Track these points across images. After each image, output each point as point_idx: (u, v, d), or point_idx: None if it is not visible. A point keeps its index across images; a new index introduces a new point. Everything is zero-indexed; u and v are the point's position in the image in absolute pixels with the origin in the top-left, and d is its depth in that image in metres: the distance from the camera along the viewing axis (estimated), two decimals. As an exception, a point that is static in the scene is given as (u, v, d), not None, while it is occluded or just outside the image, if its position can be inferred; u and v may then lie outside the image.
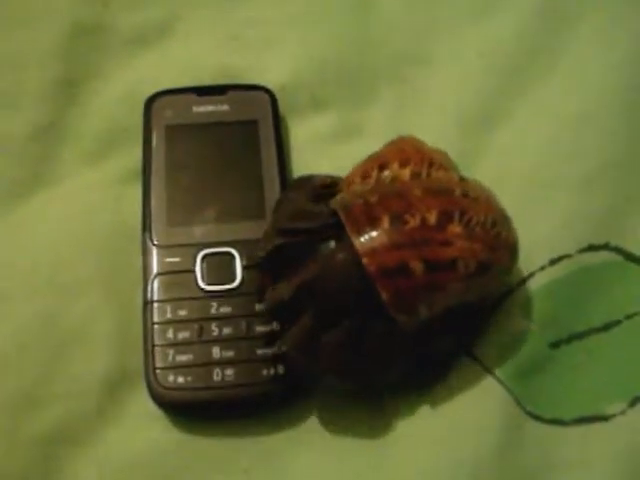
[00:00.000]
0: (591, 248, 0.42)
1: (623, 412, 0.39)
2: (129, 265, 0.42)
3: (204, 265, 0.41)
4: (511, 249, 0.39)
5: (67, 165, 0.45)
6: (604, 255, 0.42)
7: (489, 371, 0.40)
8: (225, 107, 0.45)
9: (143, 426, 0.39)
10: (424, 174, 0.39)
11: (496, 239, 0.38)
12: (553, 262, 0.42)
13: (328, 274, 0.37)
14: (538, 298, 0.42)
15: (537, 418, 0.39)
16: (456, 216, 0.37)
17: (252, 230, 0.41)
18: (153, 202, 0.42)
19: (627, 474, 0.38)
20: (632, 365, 0.40)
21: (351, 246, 0.37)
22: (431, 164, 0.39)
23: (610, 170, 0.44)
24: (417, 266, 0.36)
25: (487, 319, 0.41)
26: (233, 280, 0.40)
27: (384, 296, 0.36)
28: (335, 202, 0.38)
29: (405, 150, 0.40)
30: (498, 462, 0.38)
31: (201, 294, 0.40)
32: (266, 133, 0.44)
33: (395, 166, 0.39)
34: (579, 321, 0.41)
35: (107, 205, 0.44)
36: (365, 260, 0.36)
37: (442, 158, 0.40)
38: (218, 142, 0.44)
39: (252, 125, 0.45)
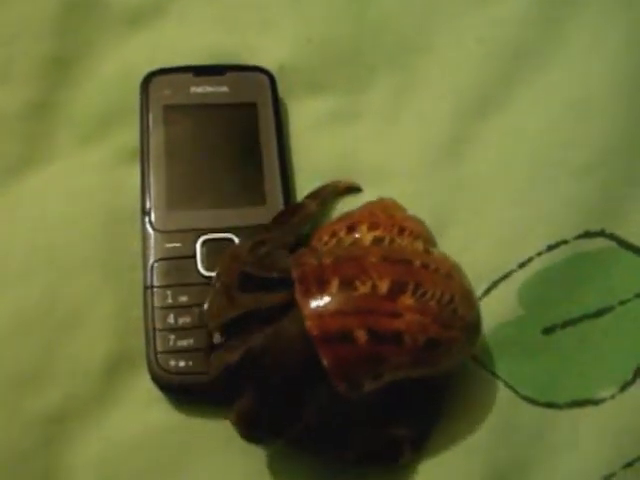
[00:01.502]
0: (587, 234, 0.43)
1: (613, 396, 0.40)
2: (128, 247, 0.42)
3: (204, 251, 0.41)
4: (468, 328, 0.37)
5: (62, 145, 0.45)
6: (599, 242, 0.43)
7: (483, 356, 0.41)
8: (224, 88, 0.45)
9: (144, 407, 0.40)
10: (387, 241, 0.38)
11: (451, 316, 0.36)
12: (551, 247, 0.43)
13: (275, 339, 0.36)
14: (534, 283, 0.42)
15: (532, 402, 0.40)
16: (410, 287, 0.36)
17: (252, 216, 0.42)
18: (152, 186, 0.42)
19: (614, 455, 0.39)
20: (624, 350, 0.41)
21: (299, 309, 0.36)
22: (401, 231, 0.38)
23: (608, 157, 0.45)
24: (361, 335, 0.35)
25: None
26: (233, 266, 0.40)
27: (325, 362, 0.35)
28: (294, 257, 0.38)
29: (376, 215, 0.39)
30: (493, 445, 0.39)
31: (201, 280, 0.40)
32: (265, 116, 0.44)
33: (364, 229, 0.38)
34: (573, 307, 0.42)
35: (104, 187, 0.44)
36: (308, 323, 0.35)
37: (415, 226, 0.39)
38: (217, 124, 0.44)
39: (251, 108, 0.44)
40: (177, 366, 0.39)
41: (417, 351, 0.35)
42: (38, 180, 0.44)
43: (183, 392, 0.40)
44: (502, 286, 0.42)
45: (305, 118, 0.46)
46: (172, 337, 0.39)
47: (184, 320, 0.40)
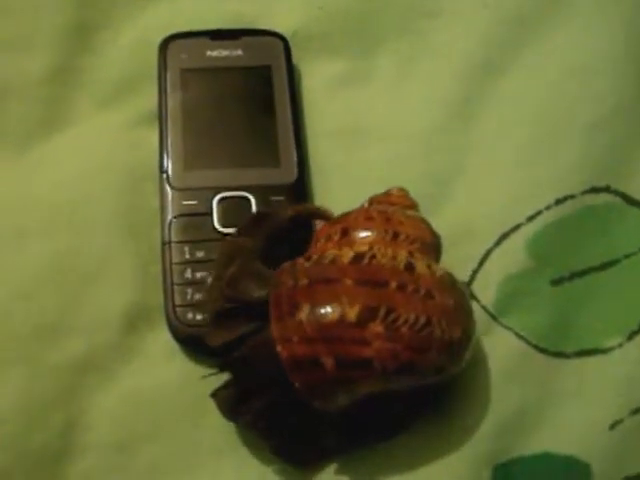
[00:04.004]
0: (593, 190, 0.44)
1: (620, 345, 0.41)
2: (147, 205, 0.43)
3: (220, 208, 0.42)
4: (447, 348, 0.36)
5: (83, 108, 0.46)
6: (605, 197, 0.44)
7: (493, 308, 0.42)
8: (239, 52, 0.46)
9: (162, 359, 0.41)
10: (367, 258, 0.37)
11: (425, 340, 0.36)
12: (559, 202, 0.44)
13: (251, 353, 0.37)
14: (542, 236, 0.43)
15: (543, 351, 0.41)
16: (381, 313, 0.35)
17: (266, 175, 0.43)
18: (170, 146, 0.43)
19: (621, 403, 0.40)
20: (630, 301, 0.42)
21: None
22: (395, 236, 0.38)
23: (612, 117, 0.46)
24: (328, 362, 0.35)
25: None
26: (248, 223, 0.41)
27: (296, 384, 0.36)
28: (275, 274, 0.38)
29: (373, 218, 0.39)
30: (504, 394, 0.40)
31: (217, 236, 0.41)
32: (279, 79, 0.45)
33: (356, 234, 0.38)
34: (580, 260, 0.43)
35: (124, 147, 0.45)
36: (278, 348, 0.36)
37: (412, 230, 0.38)
38: (232, 87, 0.45)
39: (265, 71, 0.45)
40: (194, 319, 0.40)
41: (388, 374, 0.36)
42: (60, 141, 0.45)
43: (200, 344, 0.40)
44: (512, 238, 0.43)
45: (317, 82, 0.47)
46: (189, 291, 0.41)
47: (201, 275, 0.41)
